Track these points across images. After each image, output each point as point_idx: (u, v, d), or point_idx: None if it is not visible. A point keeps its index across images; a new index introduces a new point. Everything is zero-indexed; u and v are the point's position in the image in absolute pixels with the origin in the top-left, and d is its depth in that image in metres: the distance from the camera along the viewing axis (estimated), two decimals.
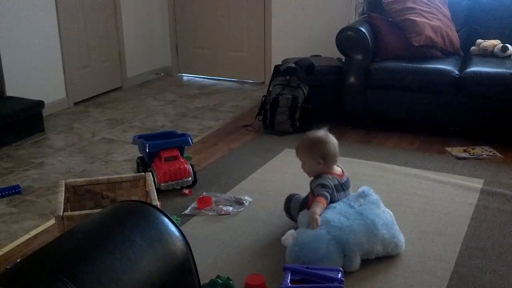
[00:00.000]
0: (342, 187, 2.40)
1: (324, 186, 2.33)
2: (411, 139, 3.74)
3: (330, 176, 2.38)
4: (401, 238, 2.31)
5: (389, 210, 2.36)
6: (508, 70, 3.52)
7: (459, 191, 2.92)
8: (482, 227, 2.55)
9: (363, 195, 2.34)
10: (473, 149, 3.51)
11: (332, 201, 2.33)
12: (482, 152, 3.46)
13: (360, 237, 2.18)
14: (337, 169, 2.44)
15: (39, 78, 4.32)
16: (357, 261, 2.18)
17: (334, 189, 2.35)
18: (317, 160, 2.40)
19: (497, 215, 2.67)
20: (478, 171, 3.19)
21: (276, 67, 4.08)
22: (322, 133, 2.50)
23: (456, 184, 3.00)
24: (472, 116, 3.62)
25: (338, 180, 2.38)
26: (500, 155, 3.42)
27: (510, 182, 3.03)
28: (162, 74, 5.72)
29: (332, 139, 2.47)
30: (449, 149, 3.53)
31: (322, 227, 2.19)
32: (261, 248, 2.40)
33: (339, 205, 2.30)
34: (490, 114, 3.57)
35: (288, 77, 3.93)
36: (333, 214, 2.23)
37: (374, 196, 2.35)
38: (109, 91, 5.07)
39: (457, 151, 3.49)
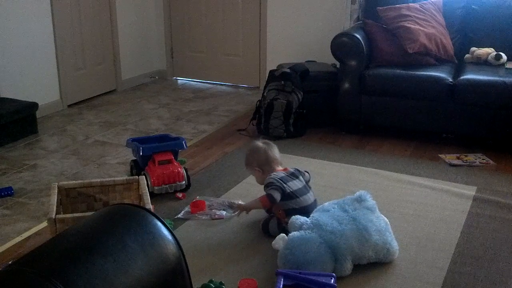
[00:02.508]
0: (291, 176, 2.54)
1: (269, 185, 2.50)
2: (404, 146, 3.75)
3: (272, 174, 2.54)
4: (395, 245, 2.31)
5: (384, 217, 2.37)
6: (501, 78, 3.54)
7: (452, 198, 2.93)
8: (475, 234, 2.56)
9: (359, 200, 2.35)
10: (466, 156, 3.52)
11: (291, 188, 2.48)
12: (475, 159, 3.47)
13: (352, 242, 2.18)
14: (279, 169, 2.62)
15: (33, 79, 4.31)
16: (348, 266, 2.18)
17: (283, 180, 2.49)
18: (256, 169, 2.64)
19: (489, 222, 2.68)
20: (471, 178, 3.20)
21: (271, 72, 4.08)
22: (254, 143, 2.70)
23: (449, 191, 3.01)
24: (466, 123, 3.64)
25: (282, 173, 2.56)
26: (493, 162, 3.44)
27: (502, 189, 3.04)
28: (156, 77, 5.72)
29: (263, 146, 2.64)
30: (442, 156, 3.54)
31: (314, 231, 2.19)
32: (254, 253, 2.40)
33: (333, 209, 2.30)
34: (483, 121, 3.59)
35: (283, 82, 3.94)
36: (326, 218, 2.24)
37: (370, 202, 2.36)
38: (103, 94, 5.07)
39: (450, 158, 3.50)
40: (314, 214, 2.31)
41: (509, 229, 2.60)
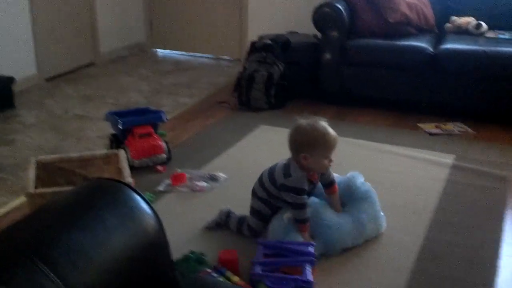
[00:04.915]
0: None
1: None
2: (385, 116, 3.77)
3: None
4: (383, 223, 2.31)
5: (373, 190, 2.31)
6: (481, 48, 3.56)
7: (431, 167, 2.97)
8: (452, 202, 2.61)
9: (351, 189, 2.26)
10: (445, 125, 3.56)
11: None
12: (454, 128, 3.51)
13: (345, 237, 2.16)
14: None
15: (9, 53, 4.21)
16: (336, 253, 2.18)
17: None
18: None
19: (467, 190, 2.72)
20: (449, 147, 3.24)
21: (252, 43, 4.05)
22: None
23: (428, 160, 3.05)
24: (445, 92, 3.66)
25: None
26: (471, 131, 3.48)
27: (480, 157, 3.09)
28: (136, 49, 5.63)
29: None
30: (421, 125, 3.57)
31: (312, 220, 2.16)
32: None
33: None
34: (463, 90, 3.61)
35: (264, 54, 3.92)
36: (327, 212, 2.19)
37: (362, 189, 2.27)
38: (82, 67, 4.98)
39: (429, 127, 3.53)
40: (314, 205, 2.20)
41: (486, 197, 2.65)
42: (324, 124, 2.10)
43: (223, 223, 2.34)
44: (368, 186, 2.30)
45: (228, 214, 2.34)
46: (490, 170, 2.91)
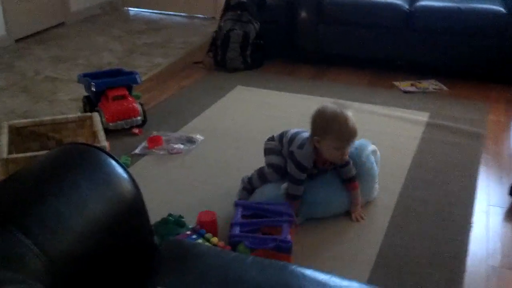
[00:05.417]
0: None
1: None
2: (361, 75, 3.77)
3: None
4: (375, 193, 2.31)
5: (376, 167, 2.29)
6: (456, 5, 3.55)
7: (406, 125, 3.00)
8: (426, 159, 2.65)
9: (357, 161, 2.21)
10: (420, 83, 3.58)
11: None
12: (429, 86, 3.54)
13: (332, 210, 2.17)
14: None
15: None
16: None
17: None
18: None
19: (440, 147, 2.77)
20: (424, 104, 3.27)
21: (227, 1, 3.96)
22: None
23: (403, 118, 3.08)
24: (420, 50, 3.67)
25: None
26: (446, 88, 3.51)
27: (454, 114, 3.13)
28: (107, 8, 5.47)
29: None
30: (397, 83, 3.59)
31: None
32: (213, 186, 2.42)
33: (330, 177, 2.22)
34: (437, 48, 3.62)
35: (239, 12, 3.84)
36: (321, 192, 2.18)
37: (367, 165, 2.23)
38: (52, 27, 4.83)
39: (404, 85, 3.55)
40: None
41: (459, 153, 2.70)
42: (347, 115, 2.01)
43: (250, 188, 2.28)
44: (372, 161, 2.24)
45: (249, 180, 2.29)
46: (464, 127, 2.96)
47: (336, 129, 2.00)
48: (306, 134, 2.14)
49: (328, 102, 2.11)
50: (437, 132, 2.93)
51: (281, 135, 2.23)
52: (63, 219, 1.13)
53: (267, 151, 2.27)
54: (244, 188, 2.29)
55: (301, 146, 2.10)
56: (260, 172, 2.25)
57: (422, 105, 3.26)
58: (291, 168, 2.10)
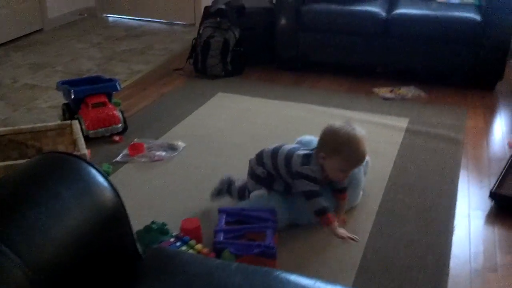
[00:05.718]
0: None
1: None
2: (340, 81, 3.80)
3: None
4: (358, 200, 2.32)
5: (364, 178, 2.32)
6: (433, 12, 3.61)
7: (386, 131, 3.03)
8: (407, 164, 2.68)
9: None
10: (399, 89, 3.62)
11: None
12: (408, 92, 3.58)
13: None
14: None
15: None
16: None
17: None
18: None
19: (421, 152, 2.80)
20: (403, 111, 3.31)
21: (206, 8, 3.96)
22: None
23: (383, 124, 3.11)
24: (398, 57, 3.71)
25: None
26: (424, 94, 3.56)
27: (433, 120, 3.17)
28: (85, 14, 5.43)
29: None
30: (376, 90, 3.62)
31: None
32: (196, 192, 2.41)
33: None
34: (415, 55, 3.67)
35: (218, 19, 3.84)
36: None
37: (356, 175, 2.24)
38: (30, 34, 4.77)
39: (383, 92, 3.59)
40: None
41: (440, 158, 2.73)
42: (360, 139, 1.98)
43: (225, 190, 2.28)
44: (359, 169, 2.22)
45: (229, 182, 2.28)
46: (444, 132, 3.00)
47: (346, 152, 1.97)
48: (301, 150, 2.10)
49: (341, 122, 2.05)
50: (417, 137, 2.96)
51: (274, 154, 2.14)
52: (44, 229, 1.11)
53: (255, 177, 2.20)
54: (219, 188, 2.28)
55: (304, 163, 2.04)
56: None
57: (402, 111, 3.30)
58: (302, 185, 2.02)
